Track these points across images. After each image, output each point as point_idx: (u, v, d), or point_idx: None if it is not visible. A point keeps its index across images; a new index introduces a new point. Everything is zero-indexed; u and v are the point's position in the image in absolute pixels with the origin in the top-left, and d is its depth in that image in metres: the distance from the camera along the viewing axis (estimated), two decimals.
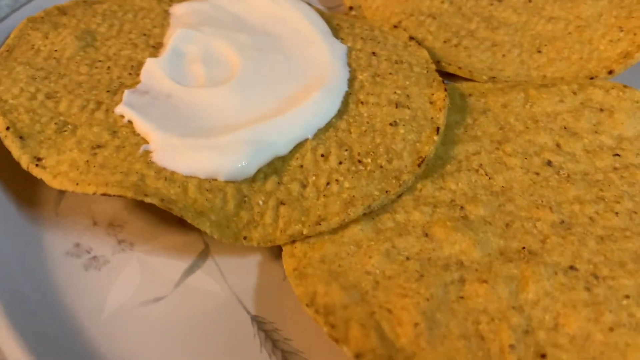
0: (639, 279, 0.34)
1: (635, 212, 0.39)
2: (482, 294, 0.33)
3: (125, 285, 0.37)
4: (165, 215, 0.41)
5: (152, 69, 0.46)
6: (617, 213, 0.38)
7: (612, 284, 0.34)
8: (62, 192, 0.42)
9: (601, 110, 0.46)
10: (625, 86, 0.48)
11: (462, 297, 0.33)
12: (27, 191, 0.42)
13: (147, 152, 0.39)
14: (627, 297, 0.33)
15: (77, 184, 0.36)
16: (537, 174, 0.42)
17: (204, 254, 0.39)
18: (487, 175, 0.42)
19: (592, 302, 0.33)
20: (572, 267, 0.35)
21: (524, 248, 0.36)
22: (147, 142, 0.40)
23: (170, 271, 0.38)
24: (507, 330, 0.31)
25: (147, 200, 0.36)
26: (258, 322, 0.36)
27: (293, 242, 0.38)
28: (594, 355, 0.30)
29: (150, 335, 0.35)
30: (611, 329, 0.31)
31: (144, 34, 0.50)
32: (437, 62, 0.52)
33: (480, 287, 0.33)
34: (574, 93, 0.48)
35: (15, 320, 0.32)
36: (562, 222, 0.38)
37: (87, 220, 0.41)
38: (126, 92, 0.44)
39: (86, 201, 0.42)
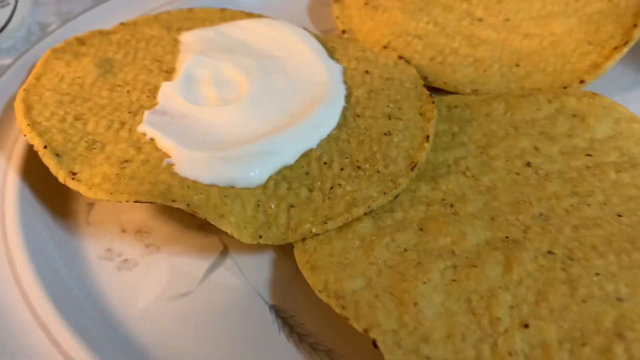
0: (608, 259, 0.39)
1: (606, 204, 0.44)
2: (473, 277, 0.38)
3: (155, 283, 0.41)
4: (186, 221, 0.45)
5: (169, 92, 0.51)
6: (589, 205, 0.43)
7: (585, 264, 0.38)
8: (91, 205, 0.47)
9: (574, 116, 0.51)
10: (594, 94, 0.53)
11: (454, 280, 0.38)
12: (60, 204, 0.46)
13: (170, 165, 0.44)
14: (598, 274, 0.38)
15: (111, 193, 0.41)
16: (518, 174, 0.47)
17: (224, 254, 0.43)
18: (473, 176, 0.47)
19: (568, 280, 0.37)
20: (550, 252, 0.40)
21: (507, 237, 0.41)
22: (169, 156, 0.45)
23: (194, 269, 0.42)
24: (495, 306, 0.36)
25: (175, 205, 0.40)
26: (276, 310, 0.40)
27: (303, 239, 0.42)
28: (570, 324, 0.35)
29: (179, 326, 0.39)
30: (584, 301, 0.36)
31: (157, 60, 0.55)
32: (425, 78, 0.57)
33: (471, 271, 0.38)
34: (550, 101, 0.53)
35: (65, 313, 0.37)
36: (541, 214, 0.43)
37: (116, 228, 0.45)
38: (146, 112, 0.48)
39: (114, 211, 0.46)
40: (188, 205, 0.40)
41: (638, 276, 0.38)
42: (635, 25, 0.56)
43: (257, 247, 0.44)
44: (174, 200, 0.40)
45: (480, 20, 0.63)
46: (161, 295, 0.41)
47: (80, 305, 0.40)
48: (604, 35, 0.57)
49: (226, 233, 0.41)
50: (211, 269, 0.42)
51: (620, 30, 0.57)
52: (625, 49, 0.55)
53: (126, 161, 0.44)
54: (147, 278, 0.42)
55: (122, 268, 0.42)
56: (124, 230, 0.45)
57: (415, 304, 0.36)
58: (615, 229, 0.41)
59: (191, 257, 0.43)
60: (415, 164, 0.47)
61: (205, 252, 0.43)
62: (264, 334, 0.39)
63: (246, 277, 0.42)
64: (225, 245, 0.44)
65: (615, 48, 0.56)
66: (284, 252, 0.44)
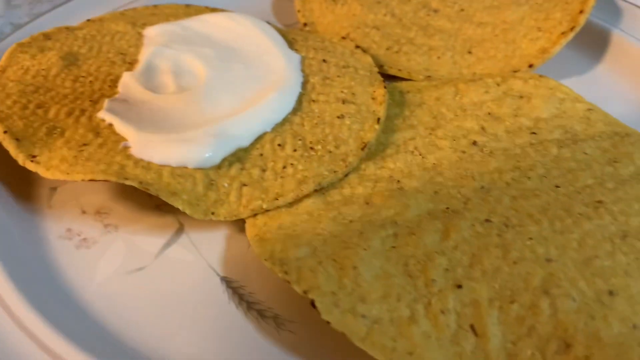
0: (542, 225, 0.41)
1: (545, 177, 0.46)
2: (411, 243, 0.40)
3: (112, 259, 0.43)
4: (144, 202, 0.47)
5: (129, 81, 0.52)
6: (529, 178, 0.45)
7: (520, 230, 0.40)
8: (53, 189, 0.48)
9: (521, 97, 0.54)
10: (541, 76, 0.55)
11: (394, 247, 0.40)
12: (23, 189, 0.48)
13: (126, 148, 0.46)
14: (531, 239, 0.40)
15: (67, 173, 0.43)
16: (464, 152, 0.49)
17: (179, 232, 0.45)
18: (420, 155, 0.49)
19: (501, 244, 0.39)
20: (487, 220, 0.42)
21: (448, 208, 0.43)
22: (126, 140, 0.46)
23: (150, 246, 0.44)
24: (430, 269, 0.38)
25: (127, 182, 0.42)
26: (226, 281, 0.42)
27: (255, 215, 0.44)
28: (501, 284, 0.37)
29: (135, 299, 0.41)
30: (515, 263, 0.38)
31: (121, 53, 0.57)
32: (381, 67, 0.60)
33: (410, 238, 0.40)
34: (498, 84, 0.55)
35: (24, 290, 0.39)
36: (482, 187, 0.45)
37: (77, 210, 0.47)
38: (107, 100, 0.50)
39: (75, 195, 0.48)
40: (140, 182, 0.42)
41: (569, 240, 0.40)
42: (581, 12, 0.59)
43: (212, 225, 0.46)
44: (126, 178, 0.42)
45: (436, 11, 0.65)
46: (118, 271, 0.42)
47: (40, 281, 0.41)
48: (552, 21, 0.60)
49: (182, 212, 0.43)
50: (166, 246, 0.44)
51: (568, 17, 0.59)
52: (572, 34, 0.58)
53: (84, 145, 0.46)
54: (105, 255, 0.43)
55: (80, 246, 0.44)
56: (84, 212, 0.46)
57: (355, 267, 0.37)
58: (552, 199, 0.43)
59: (148, 235, 0.45)
60: (366, 144, 0.49)
61: (161, 231, 0.45)
62: (214, 304, 0.41)
63: (200, 252, 0.44)
64: (181, 224, 0.46)
65: (563, 33, 0.58)
66: (238, 229, 0.45)
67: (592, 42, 0.64)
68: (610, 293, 0.36)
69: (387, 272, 0.38)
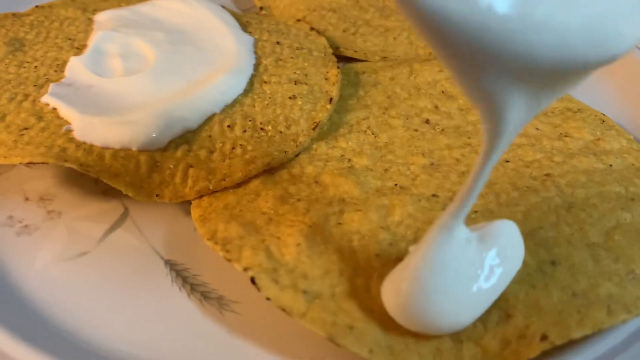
0: (488, 199, 0.40)
1: None
2: (357, 219, 0.39)
3: (53, 245, 0.42)
4: (89, 188, 0.46)
5: (75, 65, 0.51)
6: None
7: None
8: None
9: None
10: None
11: (340, 224, 0.39)
12: None
13: (69, 131, 0.44)
14: (476, 212, 0.39)
15: (5, 157, 0.42)
16: (416, 130, 0.48)
17: (124, 216, 0.44)
18: (373, 134, 0.48)
19: None
20: (434, 195, 0.41)
21: (396, 185, 0.42)
22: (69, 124, 0.45)
23: (93, 231, 0.43)
24: (374, 244, 0.37)
25: (67, 164, 0.41)
26: (170, 264, 0.41)
27: (201, 197, 0.43)
28: None
29: (75, 284, 0.40)
30: None
31: (69, 39, 0.56)
32: (337, 48, 0.59)
33: (355, 215, 0.39)
34: None
35: None
36: (432, 164, 0.45)
37: (20, 197, 0.45)
38: (52, 85, 0.49)
39: (18, 181, 0.46)
40: (81, 165, 0.41)
41: (514, 212, 0.40)
42: None
43: (158, 208, 0.45)
44: (66, 161, 0.41)
45: None
46: (59, 257, 0.41)
47: None
48: None
49: (128, 197, 0.42)
50: (110, 230, 0.43)
51: None
52: None
53: (25, 129, 0.45)
54: (46, 241, 0.42)
55: (21, 233, 0.43)
56: (27, 199, 0.45)
57: (298, 244, 0.37)
58: (500, 173, 0.43)
59: (92, 220, 0.44)
60: (317, 124, 0.48)
61: (106, 215, 0.44)
62: (157, 287, 0.40)
63: (144, 235, 0.43)
64: (126, 208, 0.45)
65: None
66: (184, 211, 0.44)
67: None
68: (553, 263, 0.36)
69: (330, 249, 0.37)
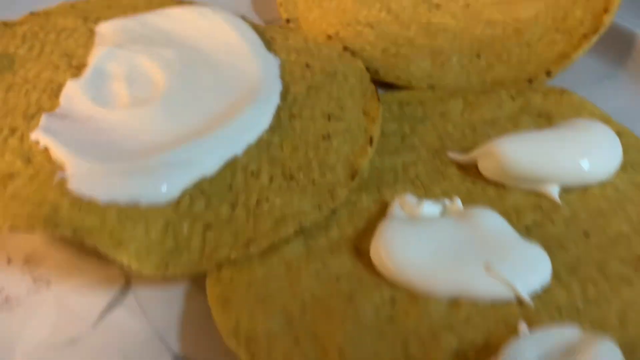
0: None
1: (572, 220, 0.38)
2: (413, 313, 0.31)
3: (39, 326, 0.34)
4: (85, 248, 0.38)
5: (73, 91, 0.43)
6: (553, 221, 0.37)
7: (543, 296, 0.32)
8: None
9: (539, 115, 0.45)
10: (562, 90, 0.47)
11: (391, 317, 0.31)
12: None
13: (63, 181, 0.37)
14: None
15: None
16: (473, 183, 0.41)
17: (125, 289, 0.37)
18: (423, 186, 0.41)
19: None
20: None
21: None
22: (62, 170, 0.38)
23: (88, 309, 0.35)
24: (436, 351, 0.30)
25: (58, 231, 0.33)
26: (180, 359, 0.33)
27: (220, 268, 0.36)
28: None
29: None
30: None
31: (67, 55, 0.48)
32: (376, 72, 0.51)
33: (411, 307, 0.32)
34: (513, 98, 0.47)
35: None
36: None
37: (2, 257, 0.38)
38: (43, 116, 0.41)
39: (1, 236, 0.39)
40: (75, 230, 0.34)
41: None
42: (606, 11, 0.50)
43: (166, 281, 0.37)
44: (57, 225, 0.33)
45: (437, 6, 0.56)
46: (45, 342, 0.34)
47: None
48: (572, 21, 0.51)
49: None
50: (108, 308, 0.35)
51: (590, 16, 0.51)
52: (595, 37, 0.49)
53: (10, 176, 0.37)
54: (31, 320, 0.35)
55: (1, 308, 0.35)
56: (10, 261, 0.38)
57: (340, 349, 0.29)
58: (582, 251, 0.35)
59: (86, 293, 0.36)
60: (356, 172, 0.40)
61: (103, 287, 0.36)
62: None
63: (148, 317, 0.35)
64: (128, 278, 0.37)
65: (585, 36, 0.50)
66: (199, 287, 0.37)
67: (614, 46, 0.54)
68: None
69: (380, 356, 0.29)
